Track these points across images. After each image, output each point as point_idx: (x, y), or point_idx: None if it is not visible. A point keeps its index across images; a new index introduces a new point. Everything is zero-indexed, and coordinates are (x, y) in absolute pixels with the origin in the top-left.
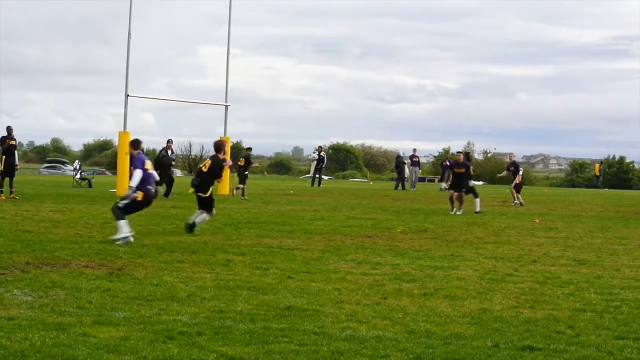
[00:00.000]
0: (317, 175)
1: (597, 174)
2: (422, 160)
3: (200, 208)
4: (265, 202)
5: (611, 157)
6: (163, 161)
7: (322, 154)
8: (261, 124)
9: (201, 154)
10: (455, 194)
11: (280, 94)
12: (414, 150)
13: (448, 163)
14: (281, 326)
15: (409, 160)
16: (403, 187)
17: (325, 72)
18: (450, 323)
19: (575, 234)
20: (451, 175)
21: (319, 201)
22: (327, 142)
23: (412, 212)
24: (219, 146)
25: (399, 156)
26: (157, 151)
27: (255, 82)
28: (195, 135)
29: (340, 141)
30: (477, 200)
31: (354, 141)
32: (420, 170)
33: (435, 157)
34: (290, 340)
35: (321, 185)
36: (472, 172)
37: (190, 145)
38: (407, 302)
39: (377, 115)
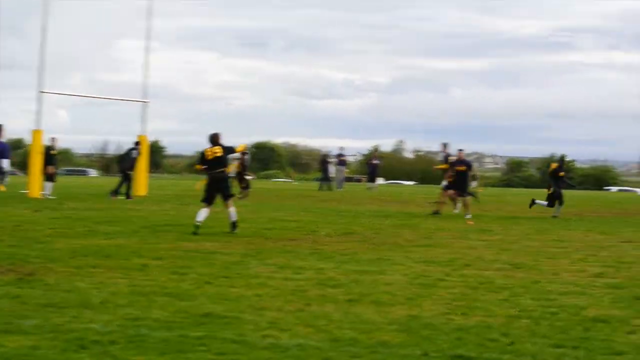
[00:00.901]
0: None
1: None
2: (350, 159)
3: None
4: (184, 203)
5: (552, 155)
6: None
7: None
8: (182, 122)
9: (119, 153)
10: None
11: (202, 90)
12: (341, 148)
13: (376, 161)
14: (199, 334)
15: (335, 159)
16: (328, 188)
17: (249, 66)
18: (377, 330)
19: (511, 236)
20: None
21: (240, 202)
22: (250, 140)
23: (338, 214)
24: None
25: (324, 155)
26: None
27: (176, 77)
28: (112, 134)
29: (264, 139)
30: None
31: (279, 139)
32: (347, 170)
33: (364, 155)
34: (208, 349)
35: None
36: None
37: (105, 144)
38: (331, 308)
39: (303, 112)
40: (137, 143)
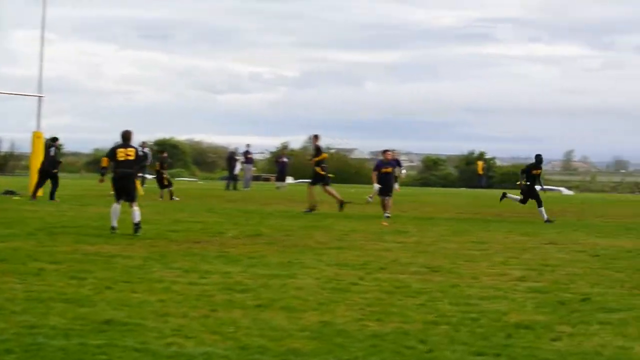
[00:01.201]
0: (141, 175)
1: (481, 172)
2: (257, 156)
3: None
4: (83, 204)
5: (471, 152)
6: None
7: (145, 150)
8: (79, 117)
9: (11, 150)
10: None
11: (100, 84)
12: (248, 145)
13: (285, 159)
14: (99, 342)
15: (243, 157)
16: (235, 187)
17: (150, 59)
18: (288, 338)
19: (428, 238)
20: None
21: (142, 203)
22: (151, 137)
23: (246, 215)
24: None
25: (231, 152)
26: None
27: (73, 70)
28: (4, 130)
29: (167, 136)
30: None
31: (182, 136)
32: (254, 168)
33: (272, 153)
34: (109, 357)
35: (144, 186)
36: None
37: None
38: (239, 314)
39: (208, 107)
40: (54, 139)
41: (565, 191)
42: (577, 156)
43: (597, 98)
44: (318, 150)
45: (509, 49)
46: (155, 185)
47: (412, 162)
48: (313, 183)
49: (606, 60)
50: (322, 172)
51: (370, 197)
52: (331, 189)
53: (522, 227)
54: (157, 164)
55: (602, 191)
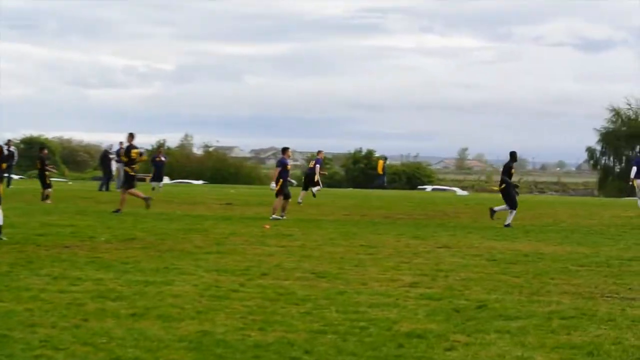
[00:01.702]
0: (7, 175)
1: (381, 172)
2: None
3: None
4: None
5: (357, 150)
6: None
7: (12, 149)
8: None
9: None
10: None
11: None
12: (121, 143)
13: (162, 158)
14: None
15: (116, 156)
16: (107, 188)
17: (16, 51)
18: (165, 349)
19: (314, 241)
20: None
21: (7, 205)
22: (18, 135)
23: (119, 218)
24: None
25: (105, 151)
26: None
27: None
28: None
29: (35, 134)
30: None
31: (51, 133)
32: None
33: (148, 151)
34: None
35: (10, 187)
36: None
37: None
38: (112, 324)
39: (78, 103)
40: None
41: (459, 191)
42: (471, 154)
43: (493, 92)
44: (129, 150)
45: (400, 41)
46: (38, 184)
47: (296, 161)
48: (125, 184)
49: (502, 52)
50: (132, 173)
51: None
52: (135, 190)
53: (413, 230)
54: (38, 162)
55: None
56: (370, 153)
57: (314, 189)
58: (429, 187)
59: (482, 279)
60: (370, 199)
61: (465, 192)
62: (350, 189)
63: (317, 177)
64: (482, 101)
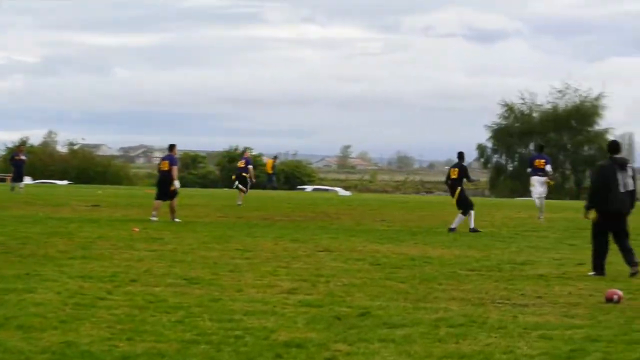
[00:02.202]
0: None
1: (270, 171)
2: None
3: None
4: None
5: (233, 148)
6: None
7: None
8: None
9: None
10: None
11: None
12: None
13: (22, 157)
14: None
15: None
16: None
17: None
18: None
19: (186, 245)
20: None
21: None
22: None
23: None
24: None
25: None
26: None
27: None
28: None
29: None
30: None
31: None
32: None
33: (8, 149)
34: None
35: None
36: None
37: None
38: None
39: None
40: None
41: (341, 192)
42: (354, 152)
43: (379, 86)
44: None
45: (279, 31)
46: None
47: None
48: None
49: (389, 43)
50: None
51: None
52: None
53: (292, 233)
54: None
55: (384, 191)
56: (247, 150)
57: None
58: (309, 187)
59: (366, 285)
60: (248, 199)
61: (347, 193)
62: (226, 189)
63: (250, 176)
64: (367, 95)
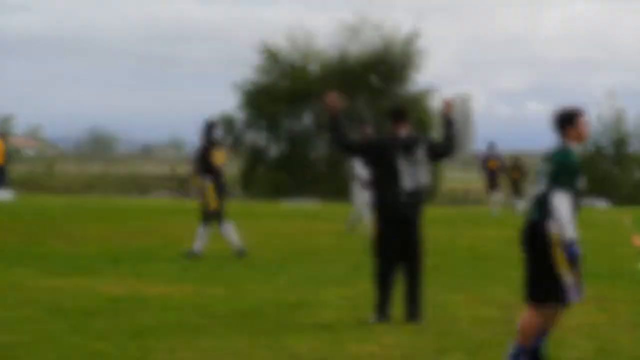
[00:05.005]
0: None
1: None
2: None
3: None
4: None
5: None
6: None
7: None
8: None
9: None
10: None
11: None
12: None
13: None
14: None
15: None
16: None
17: None
18: None
19: None
20: None
21: None
22: None
23: None
24: None
25: None
26: None
27: None
28: None
29: None
30: None
31: None
32: None
33: None
34: None
35: None
36: None
37: None
38: None
39: None
40: None
41: None
42: (21, 127)
43: (61, 22)
44: None
45: None
46: None
47: None
48: None
49: None
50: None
51: None
52: None
53: None
54: None
55: (70, 191)
56: None
57: None
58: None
59: (40, 344)
60: None
61: (6, 194)
62: None
63: None
64: (39, 35)
